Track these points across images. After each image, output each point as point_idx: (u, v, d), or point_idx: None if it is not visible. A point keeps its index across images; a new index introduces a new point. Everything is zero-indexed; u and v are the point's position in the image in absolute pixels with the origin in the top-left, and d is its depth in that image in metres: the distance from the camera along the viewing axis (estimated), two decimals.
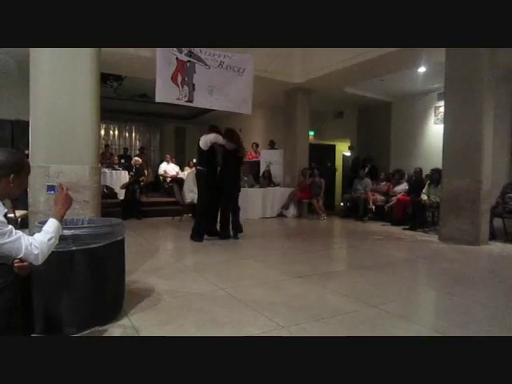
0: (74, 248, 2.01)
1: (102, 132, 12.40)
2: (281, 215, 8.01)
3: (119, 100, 10.89)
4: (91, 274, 2.09)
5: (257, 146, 9.75)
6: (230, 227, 5.16)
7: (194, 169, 7.83)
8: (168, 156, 10.55)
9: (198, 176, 5.18)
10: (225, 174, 5.11)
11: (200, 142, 5.03)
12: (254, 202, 7.52)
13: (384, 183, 7.73)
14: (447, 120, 5.37)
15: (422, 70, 6.91)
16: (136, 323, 2.21)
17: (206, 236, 5.05)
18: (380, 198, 7.53)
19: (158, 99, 5.32)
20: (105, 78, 8.59)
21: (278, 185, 8.40)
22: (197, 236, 4.96)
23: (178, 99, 5.49)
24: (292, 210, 8.09)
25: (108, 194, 7.93)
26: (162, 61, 5.27)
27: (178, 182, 8.22)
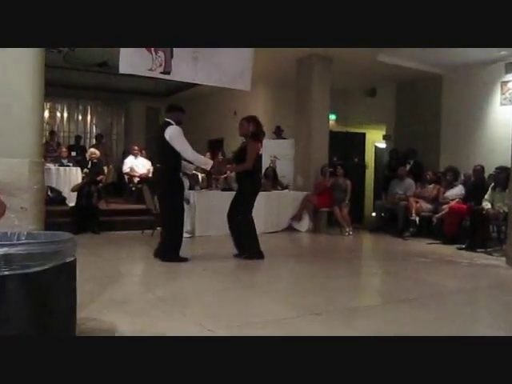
0: (6, 272, 2.00)
1: (46, 114, 12.43)
2: (290, 229, 8.00)
3: (70, 70, 10.91)
4: (29, 307, 2.08)
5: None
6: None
7: None
8: (136, 147, 10.54)
9: (161, 176, 5.22)
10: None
11: (169, 134, 4.89)
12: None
13: (432, 186, 7.74)
14: None
15: None
16: None
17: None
18: (426, 206, 7.53)
19: (122, 70, 5.32)
20: None
21: (286, 187, 8.42)
22: (173, 254, 4.89)
23: (151, 70, 5.50)
24: (306, 222, 8.09)
25: (54, 198, 7.93)
26: None
27: (149, 182, 8.22)
